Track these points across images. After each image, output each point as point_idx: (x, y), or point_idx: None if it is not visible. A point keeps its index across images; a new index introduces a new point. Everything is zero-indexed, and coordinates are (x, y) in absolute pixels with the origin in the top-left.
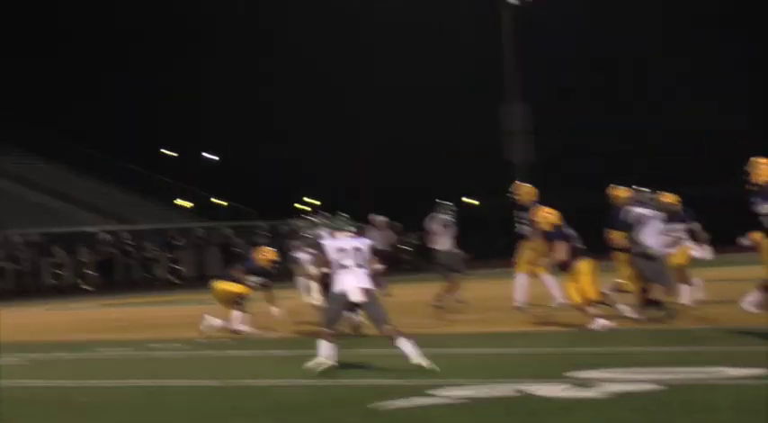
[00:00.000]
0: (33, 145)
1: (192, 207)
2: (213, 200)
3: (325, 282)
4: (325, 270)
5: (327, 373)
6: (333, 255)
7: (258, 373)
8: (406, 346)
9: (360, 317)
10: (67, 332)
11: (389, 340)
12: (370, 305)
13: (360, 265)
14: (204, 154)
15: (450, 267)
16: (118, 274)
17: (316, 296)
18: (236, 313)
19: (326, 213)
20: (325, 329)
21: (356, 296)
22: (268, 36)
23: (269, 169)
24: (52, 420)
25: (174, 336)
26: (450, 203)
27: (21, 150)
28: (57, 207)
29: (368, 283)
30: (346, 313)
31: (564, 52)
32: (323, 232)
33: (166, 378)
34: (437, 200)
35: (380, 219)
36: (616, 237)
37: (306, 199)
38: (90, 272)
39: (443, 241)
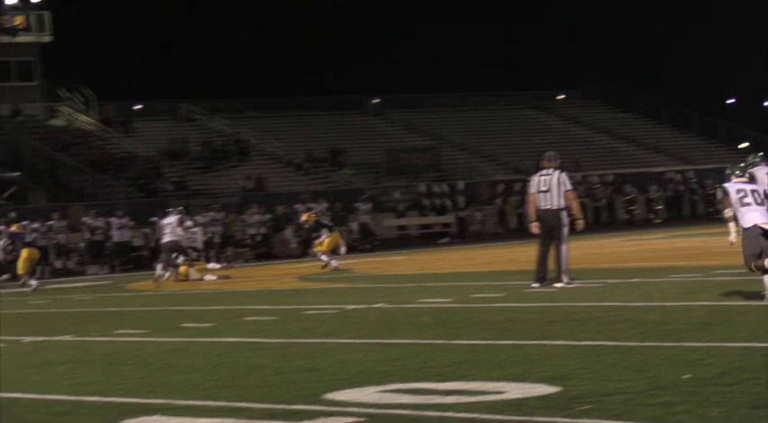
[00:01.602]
0: (610, 98)
1: (749, 148)
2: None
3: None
4: (728, 211)
5: None
6: (734, 196)
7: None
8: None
9: None
10: (640, 260)
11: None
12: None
13: (759, 203)
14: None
15: None
16: (684, 209)
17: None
18: None
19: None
20: (755, 264)
21: (765, 226)
22: None
23: None
24: (605, 336)
25: (735, 262)
26: None
27: (597, 103)
28: (629, 150)
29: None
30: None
31: None
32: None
33: (728, 300)
34: None
35: None
36: None
37: None
38: (659, 207)
39: None
